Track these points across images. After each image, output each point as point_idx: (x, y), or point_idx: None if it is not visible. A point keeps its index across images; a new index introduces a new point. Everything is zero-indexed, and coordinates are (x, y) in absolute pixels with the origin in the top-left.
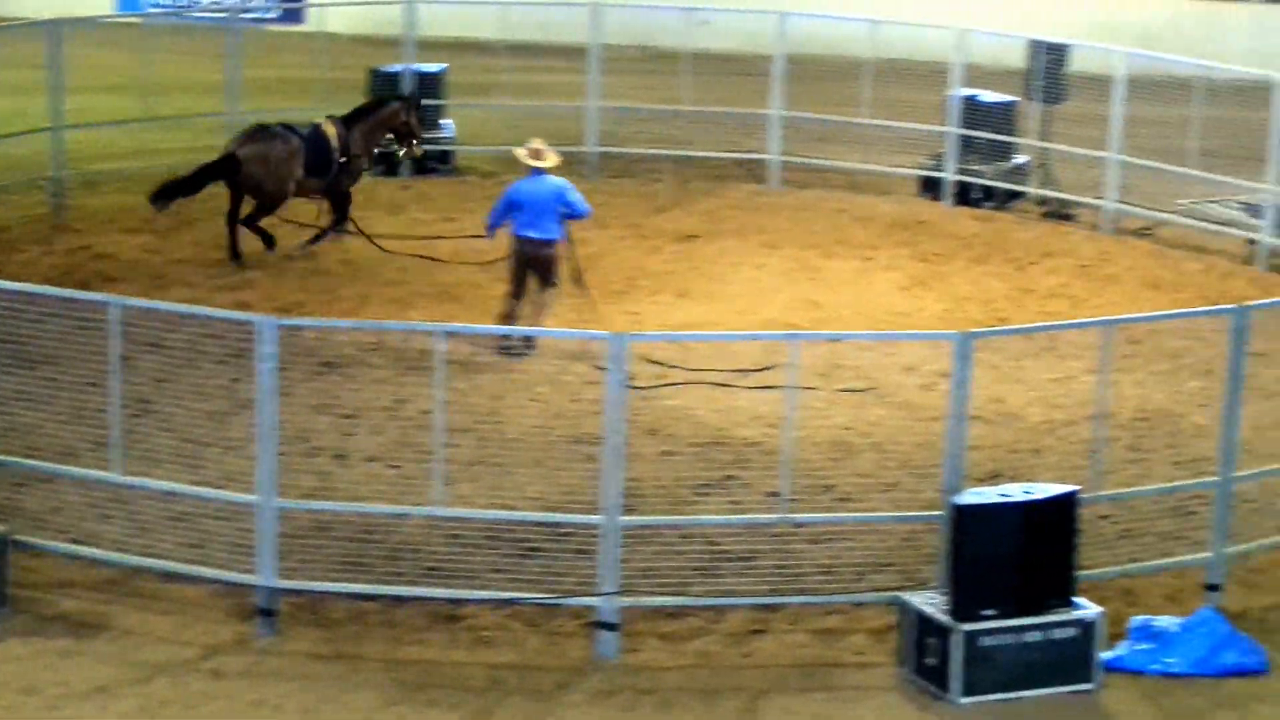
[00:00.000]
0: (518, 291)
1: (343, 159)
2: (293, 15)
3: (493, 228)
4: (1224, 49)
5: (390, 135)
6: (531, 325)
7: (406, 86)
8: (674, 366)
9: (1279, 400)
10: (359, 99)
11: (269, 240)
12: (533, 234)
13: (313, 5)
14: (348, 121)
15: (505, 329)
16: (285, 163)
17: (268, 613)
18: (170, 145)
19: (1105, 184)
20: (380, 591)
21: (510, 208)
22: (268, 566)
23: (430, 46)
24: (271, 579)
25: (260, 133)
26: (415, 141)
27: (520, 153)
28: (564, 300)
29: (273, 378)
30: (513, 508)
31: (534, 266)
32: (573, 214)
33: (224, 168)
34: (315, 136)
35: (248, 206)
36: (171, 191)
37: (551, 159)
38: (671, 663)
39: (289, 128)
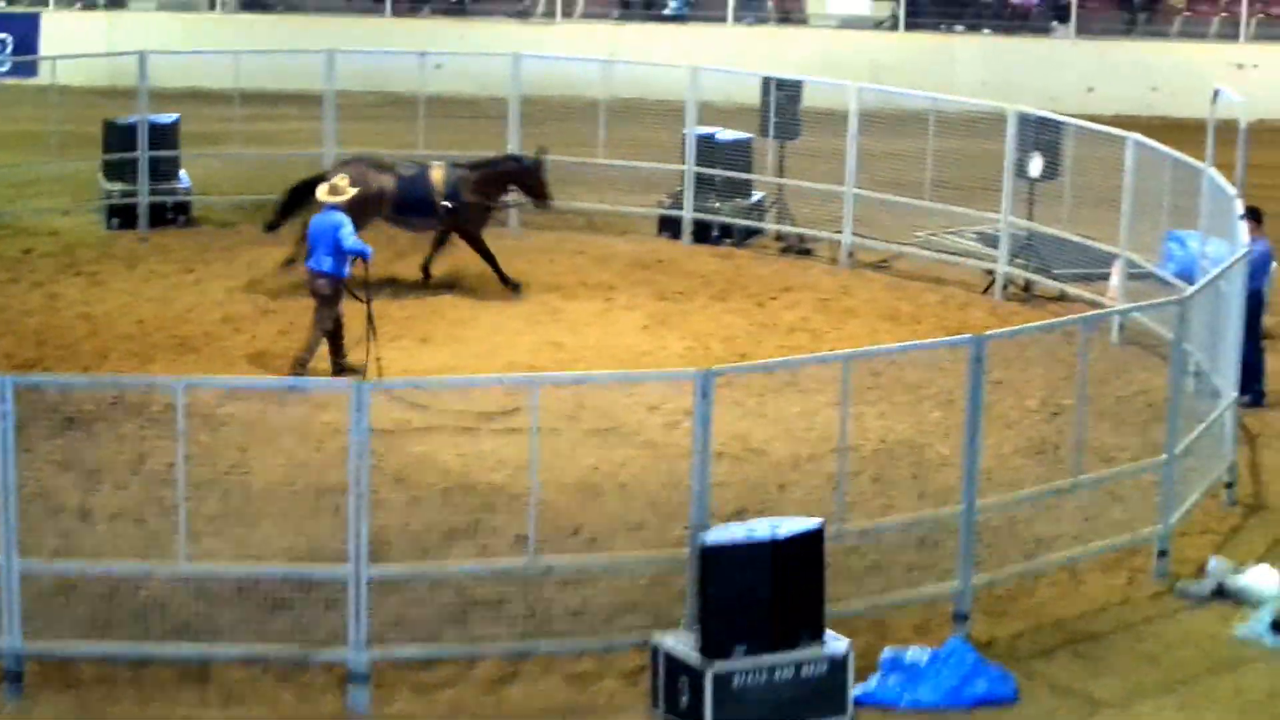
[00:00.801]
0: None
1: (448, 203)
2: (25, 69)
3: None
4: (954, 81)
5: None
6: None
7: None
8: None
9: (1019, 429)
10: (95, 151)
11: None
12: (310, 265)
13: (45, 59)
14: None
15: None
16: (372, 195)
17: (14, 676)
18: None
19: (842, 218)
20: (128, 651)
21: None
22: (12, 629)
23: (164, 97)
24: (16, 642)
25: (357, 161)
26: (546, 199)
27: (321, 189)
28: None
29: (10, 436)
30: (260, 561)
31: (314, 298)
32: (347, 251)
33: (311, 188)
34: (417, 177)
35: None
36: (279, 215)
37: (345, 195)
38: (424, 713)
39: (384, 164)
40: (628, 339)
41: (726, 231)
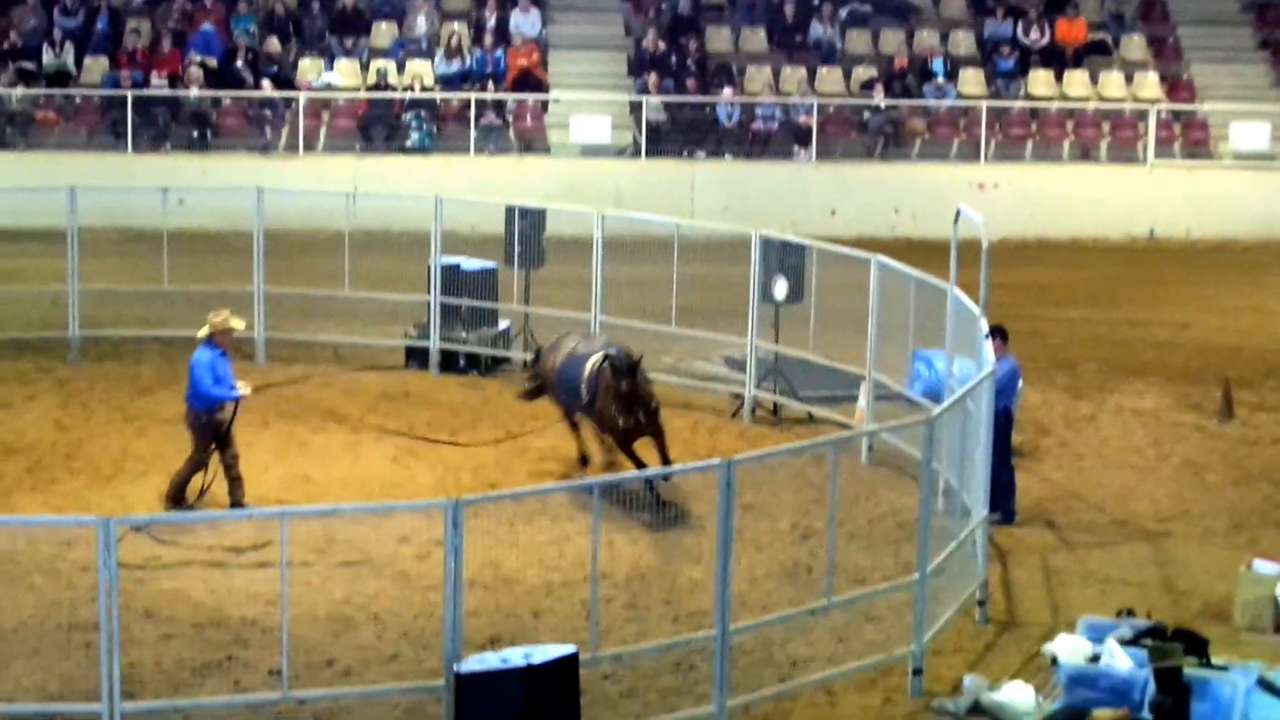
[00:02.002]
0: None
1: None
2: None
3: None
4: (696, 207)
5: None
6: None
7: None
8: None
9: (771, 551)
10: None
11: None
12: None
13: None
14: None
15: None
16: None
17: None
18: None
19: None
20: None
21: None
22: None
23: None
24: None
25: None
26: None
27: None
28: None
29: None
30: (11, 700)
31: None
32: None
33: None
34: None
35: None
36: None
37: (205, 330)
38: None
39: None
40: (377, 470)
41: (473, 361)
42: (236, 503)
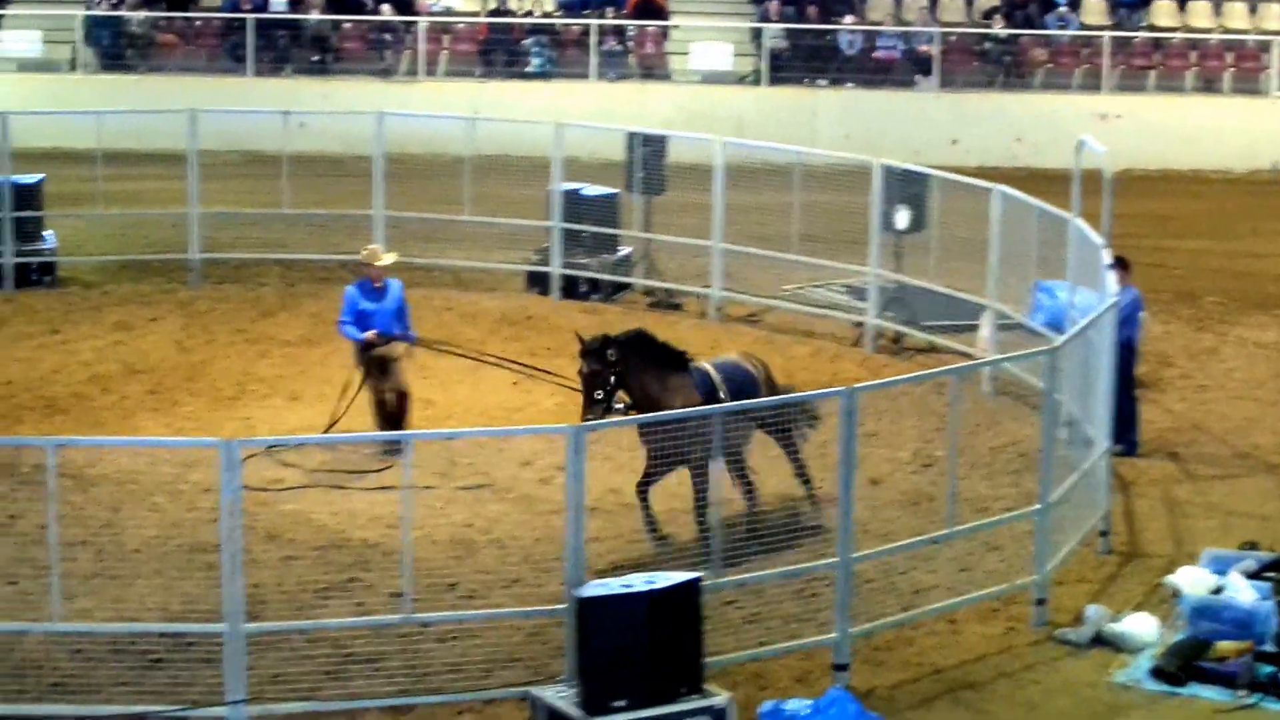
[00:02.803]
0: None
1: None
2: None
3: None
4: (817, 135)
5: None
6: None
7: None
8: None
9: (893, 480)
10: None
11: None
12: None
13: None
14: None
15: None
16: None
17: None
18: None
19: (710, 272)
20: (3, 711)
21: None
22: None
23: (26, 158)
24: None
25: None
26: None
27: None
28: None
29: None
30: (135, 619)
31: None
32: None
33: None
34: None
35: None
36: None
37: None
38: None
39: None
40: (498, 395)
41: (594, 286)
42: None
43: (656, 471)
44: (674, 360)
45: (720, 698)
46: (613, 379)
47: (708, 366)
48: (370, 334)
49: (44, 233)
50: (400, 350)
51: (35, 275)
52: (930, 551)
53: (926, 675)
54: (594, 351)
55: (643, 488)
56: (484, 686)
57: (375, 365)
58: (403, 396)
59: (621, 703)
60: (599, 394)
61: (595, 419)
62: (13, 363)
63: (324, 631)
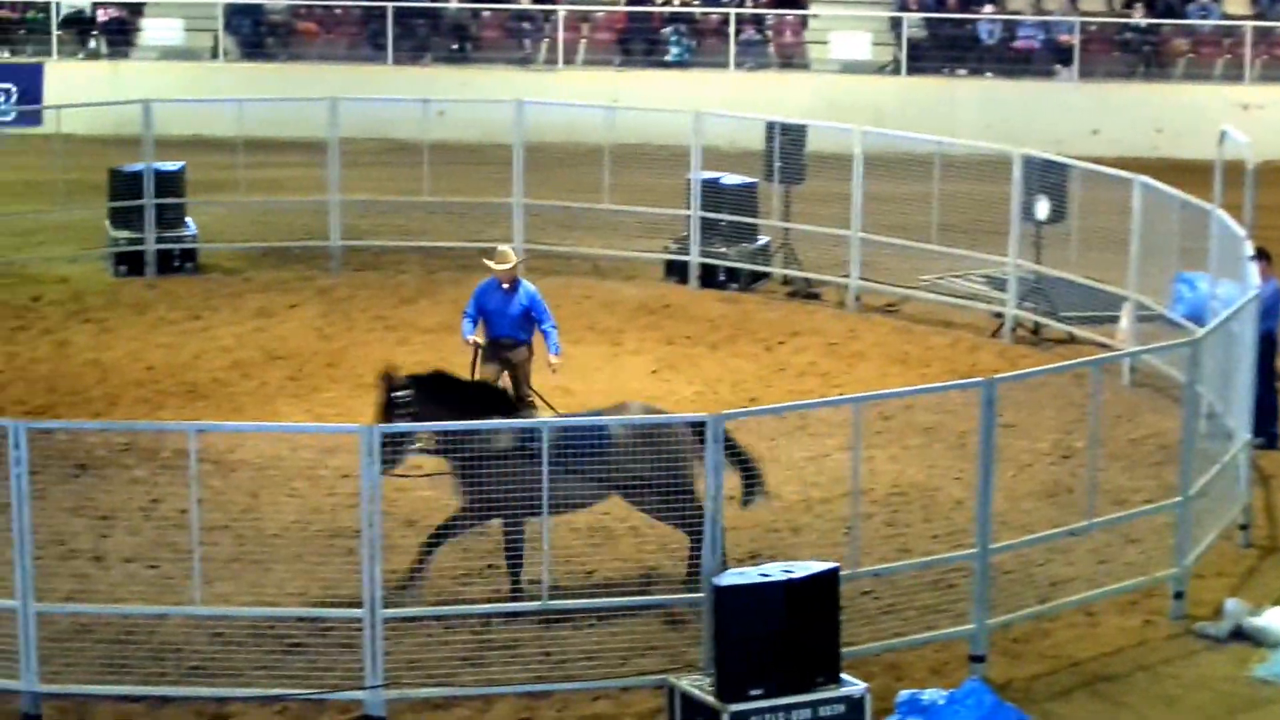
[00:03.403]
0: None
1: None
2: (29, 118)
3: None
4: (956, 125)
5: None
6: None
7: None
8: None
9: (1031, 471)
10: (101, 199)
11: None
12: None
13: (49, 107)
14: None
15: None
16: None
17: (32, 717)
18: None
19: (849, 262)
20: (145, 693)
21: None
22: (29, 671)
23: (168, 145)
24: (34, 683)
25: None
26: None
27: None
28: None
29: (25, 482)
30: (274, 604)
31: None
32: None
33: None
34: None
35: None
36: None
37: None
38: None
39: None
40: (636, 383)
41: (733, 276)
42: None
43: (465, 520)
44: (485, 403)
45: (857, 687)
46: (405, 417)
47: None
48: (471, 338)
49: (185, 219)
50: (522, 355)
51: (177, 262)
52: (1068, 543)
53: (1063, 667)
54: (389, 386)
55: (441, 533)
56: (620, 674)
57: (499, 364)
58: (520, 399)
59: (758, 691)
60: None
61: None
62: (155, 348)
63: (462, 617)
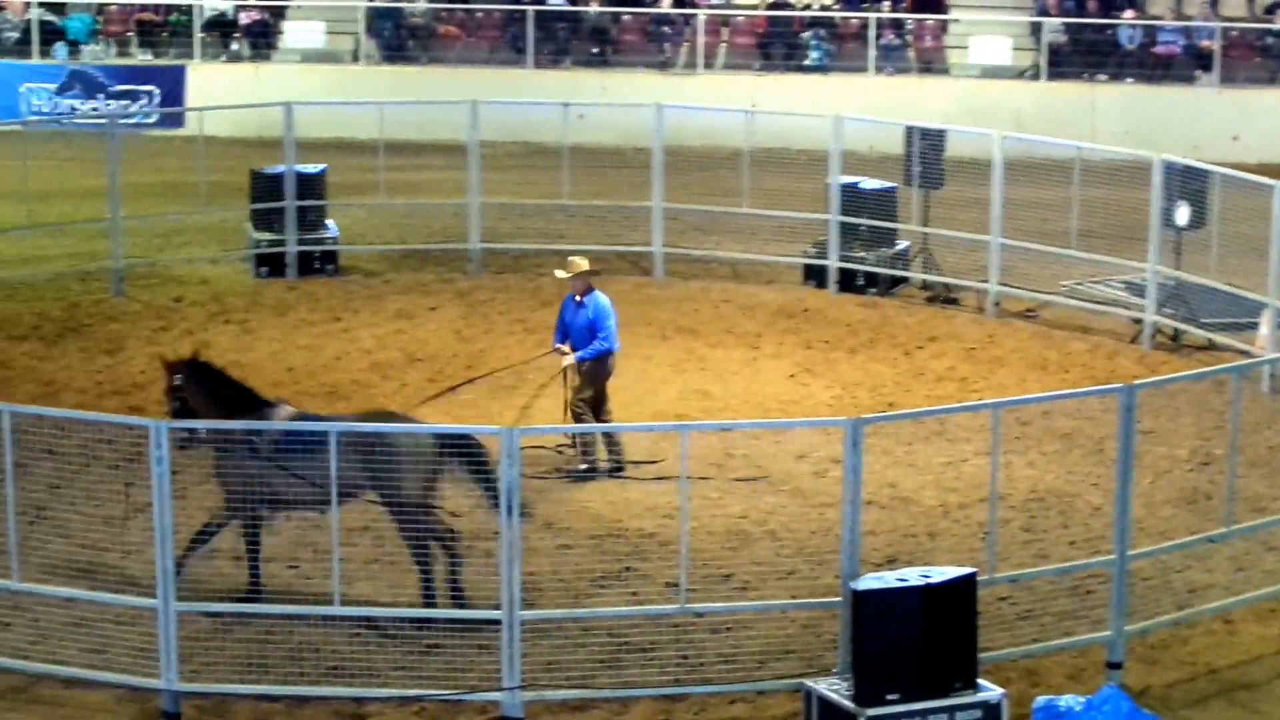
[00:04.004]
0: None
1: None
2: (172, 120)
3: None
4: (1096, 130)
5: None
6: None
7: None
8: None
9: (1170, 478)
10: (242, 201)
11: None
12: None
13: (191, 110)
14: None
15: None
16: None
17: (172, 716)
18: (54, 252)
19: (988, 267)
20: (283, 692)
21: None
22: (170, 669)
23: (309, 147)
24: (174, 682)
25: None
26: None
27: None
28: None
29: (167, 481)
30: (413, 605)
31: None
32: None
33: None
34: None
35: None
36: None
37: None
38: None
39: None
40: (774, 388)
41: (872, 280)
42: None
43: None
44: (238, 398)
45: (994, 692)
46: (179, 401)
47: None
48: (557, 346)
49: (326, 221)
50: (567, 362)
51: (318, 263)
52: (1207, 550)
53: (1201, 675)
54: (169, 371)
55: (201, 536)
56: (757, 677)
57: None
58: (572, 412)
59: (895, 695)
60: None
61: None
62: (296, 350)
63: (599, 620)
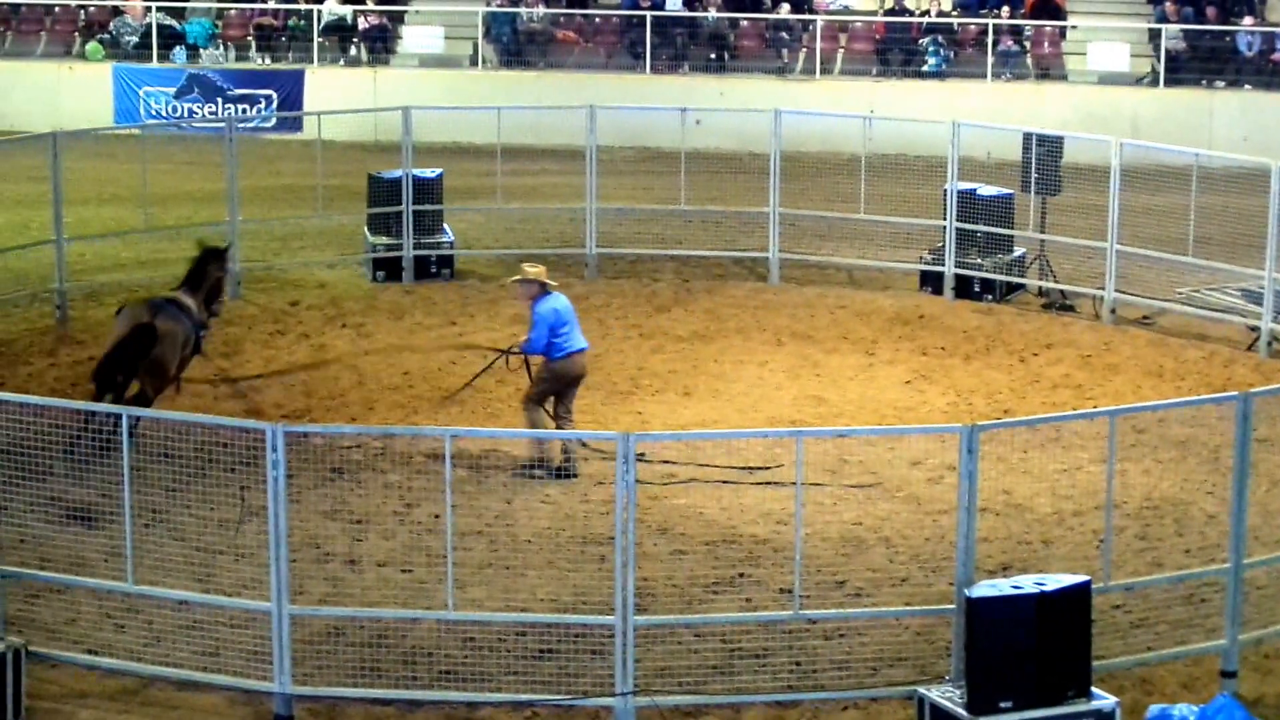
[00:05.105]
0: (543, 407)
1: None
2: (290, 123)
3: (541, 349)
4: (1213, 137)
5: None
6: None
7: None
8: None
9: None
10: (359, 205)
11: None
12: (584, 345)
13: (310, 114)
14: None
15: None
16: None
17: (284, 719)
18: (171, 255)
19: (1104, 274)
20: (396, 696)
21: (558, 326)
22: (283, 673)
23: (426, 152)
24: (287, 685)
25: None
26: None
27: (535, 272)
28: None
29: (282, 484)
30: (526, 610)
31: (577, 380)
32: None
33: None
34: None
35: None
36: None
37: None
38: None
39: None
40: (890, 394)
41: (988, 287)
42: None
43: None
44: None
45: (1107, 701)
46: None
47: None
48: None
49: (443, 226)
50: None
51: (434, 268)
52: None
53: None
54: None
55: None
56: (870, 685)
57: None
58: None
59: (1008, 703)
60: None
61: None
62: (411, 354)
63: (712, 626)
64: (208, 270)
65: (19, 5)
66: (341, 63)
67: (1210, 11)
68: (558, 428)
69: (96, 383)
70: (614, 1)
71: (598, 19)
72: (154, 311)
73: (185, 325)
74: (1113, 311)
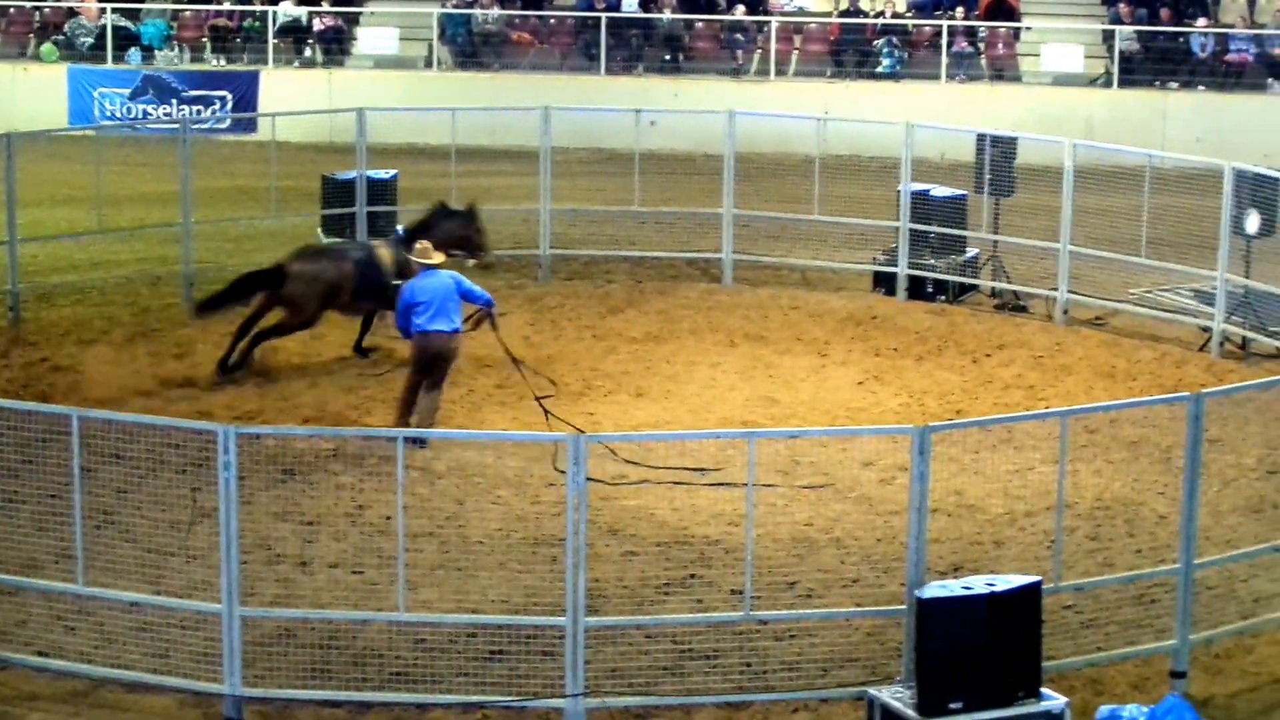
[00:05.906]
0: (414, 394)
1: (397, 282)
2: (245, 125)
3: (408, 331)
4: (1167, 138)
5: (456, 251)
6: (425, 425)
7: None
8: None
9: (1236, 487)
10: (313, 206)
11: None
12: (441, 326)
13: (264, 115)
14: (409, 240)
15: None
16: (333, 286)
17: None
18: (124, 256)
19: (1057, 275)
20: (346, 698)
21: (412, 307)
22: (233, 675)
23: (381, 153)
24: (238, 687)
25: (314, 253)
26: (484, 251)
27: (418, 249)
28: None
29: (233, 486)
30: (477, 611)
31: (437, 361)
32: (474, 301)
33: (269, 279)
34: (369, 260)
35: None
36: (215, 304)
37: (439, 256)
38: None
39: (335, 252)
40: (842, 395)
41: (941, 288)
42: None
43: None
44: None
45: (1057, 702)
46: None
47: None
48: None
49: (397, 227)
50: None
51: None
52: (1273, 560)
53: (1265, 684)
54: None
55: None
56: (820, 685)
57: None
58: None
59: (958, 704)
60: None
61: None
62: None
63: (663, 627)
64: (436, 225)
65: None
66: (296, 64)
67: (1164, 13)
68: (414, 407)
69: (211, 307)
70: (569, 2)
71: (553, 20)
72: (299, 255)
73: (337, 271)
74: (1065, 312)
